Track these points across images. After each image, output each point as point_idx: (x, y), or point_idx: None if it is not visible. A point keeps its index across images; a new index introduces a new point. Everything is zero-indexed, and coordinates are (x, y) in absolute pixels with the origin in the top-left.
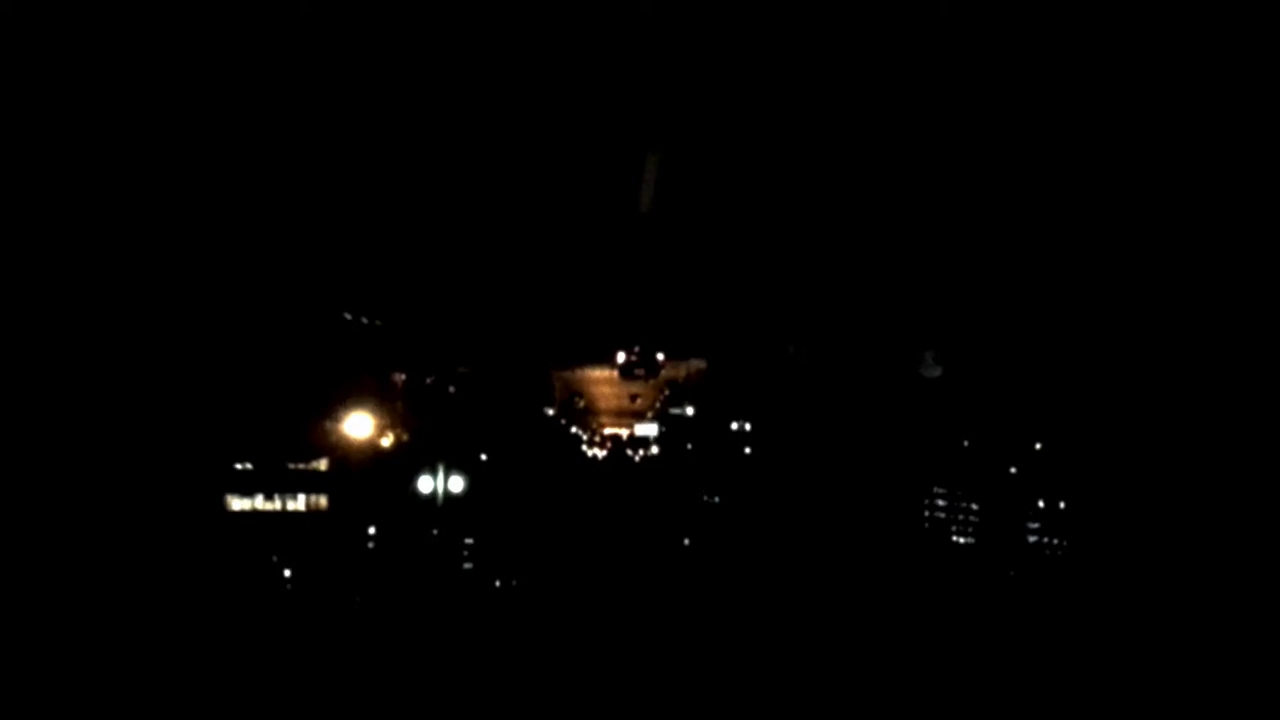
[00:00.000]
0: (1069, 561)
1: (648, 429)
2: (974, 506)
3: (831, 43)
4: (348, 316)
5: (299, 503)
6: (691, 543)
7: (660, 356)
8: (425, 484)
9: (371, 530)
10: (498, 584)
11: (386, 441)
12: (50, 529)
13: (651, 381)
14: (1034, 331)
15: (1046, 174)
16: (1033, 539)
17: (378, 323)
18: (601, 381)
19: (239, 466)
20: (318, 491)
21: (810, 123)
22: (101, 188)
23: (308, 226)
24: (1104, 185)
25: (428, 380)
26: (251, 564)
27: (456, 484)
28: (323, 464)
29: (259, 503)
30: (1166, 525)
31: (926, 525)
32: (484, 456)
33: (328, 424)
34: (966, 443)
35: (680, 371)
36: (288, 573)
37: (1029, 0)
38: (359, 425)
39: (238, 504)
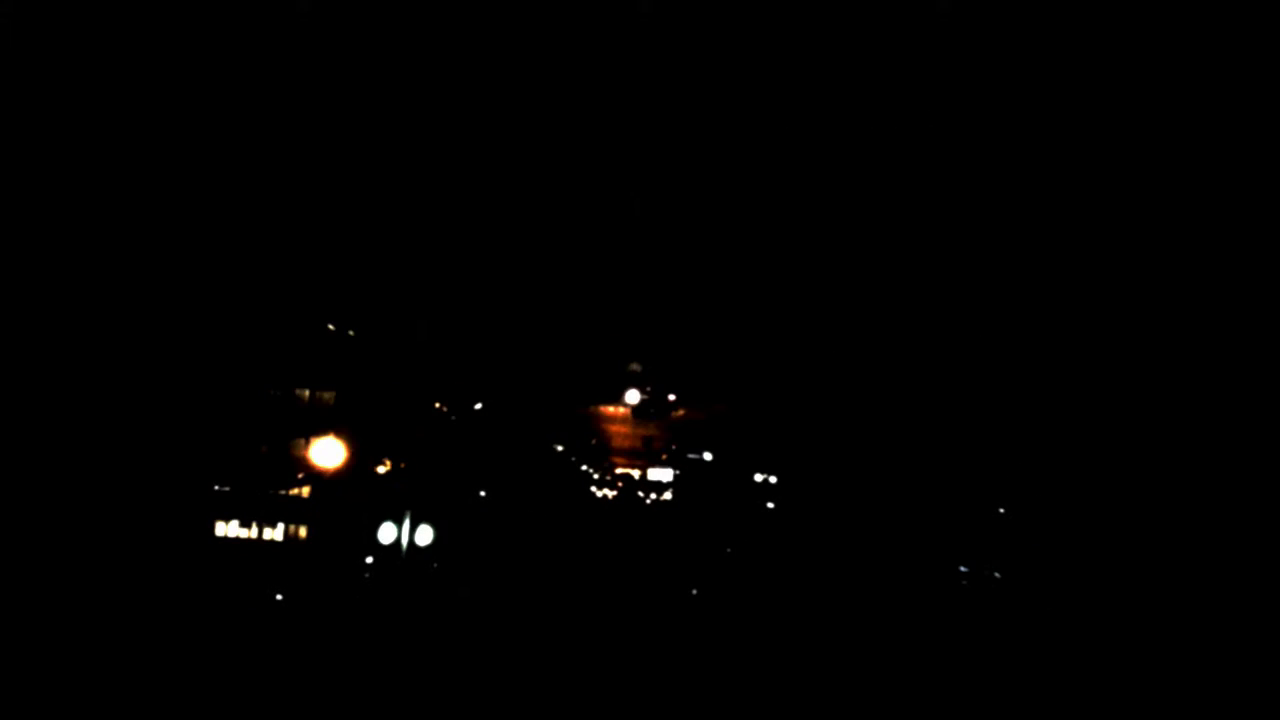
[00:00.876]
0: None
1: (663, 473)
2: (997, 575)
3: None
4: (351, 333)
5: (277, 532)
6: (700, 592)
7: (671, 398)
8: (387, 533)
9: (367, 560)
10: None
11: (383, 469)
12: (32, 545)
13: (665, 423)
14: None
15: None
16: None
17: (386, 348)
18: (615, 420)
19: (220, 489)
20: (297, 520)
21: (835, 154)
22: (82, 209)
23: (311, 248)
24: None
25: (437, 408)
26: (232, 588)
27: (425, 535)
28: (305, 490)
29: (234, 529)
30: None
31: (948, 596)
32: (483, 493)
33: (314, 450)
34: (1002, 510)
35: (700, 415)
36: (279, 597)
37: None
38: (328, 453)
39: (220, 529)
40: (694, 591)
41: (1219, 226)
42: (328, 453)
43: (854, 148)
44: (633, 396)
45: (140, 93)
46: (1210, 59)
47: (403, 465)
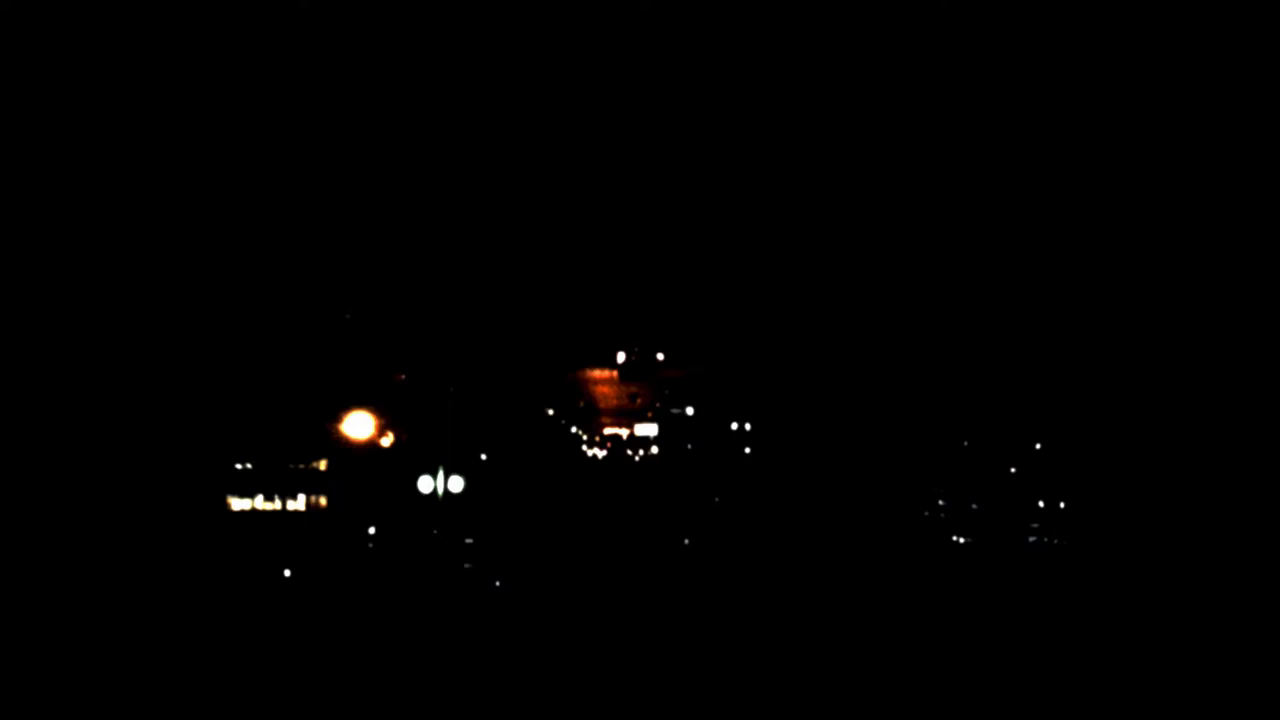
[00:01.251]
0: (1069, 560)
1: (648, 429)
2: (975, 507)
3: (829, 44)
4: (348, 316)
5: (299, 503)
6: (692, 541)
7: (660, 357)
8: (425, 484)
9: (372, 530)
10: (497, 583)
11: (386, 441)
12: (52, 526)
13: (650, 382)
14: (1033, 332)
15: (1042, 177)
16: (1032, 539)
17: (379, 323)
18: (602, 382)
19: (240, 466)
20: (318, 492)
21: (806, 122)
22: (102, 191)
23: (310, 228)
24: (1097, 187)
25: (430, 380)
26: (252, 563)
27: (456, 484)
28: (323, 464)
29: (259, 503)
30: (1163, 522)
31: (928, 525)
32: (484, 456)
33: (328, 424)
34: (966, 443)
35: (680, 372)
36: (288, 572)
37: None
38: (360, 425)
39: (238, 504)
40: (686, 541)
41: (1217, 225)
42: (358, 425)
43: (813, 118)
44: (619, 358)
45: (139, 91)
46: (1210, 59)
47: (418, 436)
